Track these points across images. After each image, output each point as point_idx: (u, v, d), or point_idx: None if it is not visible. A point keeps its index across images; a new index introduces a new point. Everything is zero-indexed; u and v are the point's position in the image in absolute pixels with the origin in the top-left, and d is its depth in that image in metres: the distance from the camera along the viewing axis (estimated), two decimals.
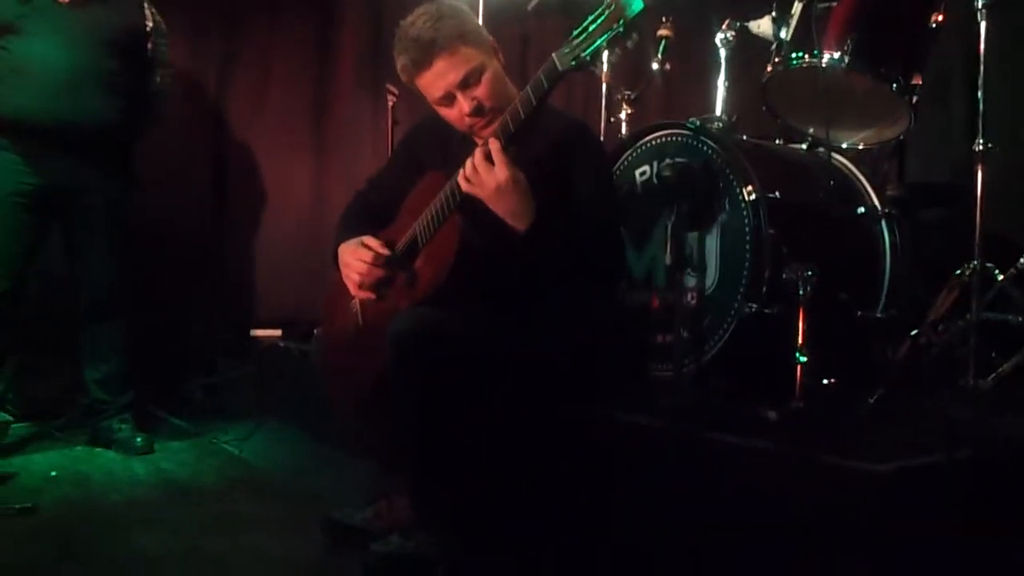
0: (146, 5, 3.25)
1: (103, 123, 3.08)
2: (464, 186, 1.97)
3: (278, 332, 4.05)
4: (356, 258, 2.20)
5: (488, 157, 1.94)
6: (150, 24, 3.24)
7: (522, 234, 1.96)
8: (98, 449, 3.21)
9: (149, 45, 3.25)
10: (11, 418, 2.91)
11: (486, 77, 2.08)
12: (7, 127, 3.03)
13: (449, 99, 2.10)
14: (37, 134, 3.02)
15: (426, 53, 2.06)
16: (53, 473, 2.89)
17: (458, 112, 2.11)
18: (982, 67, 2.49)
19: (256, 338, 4.10)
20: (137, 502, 2.64)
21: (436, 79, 2.08)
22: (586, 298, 2.13)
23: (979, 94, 2.50)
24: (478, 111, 2.09)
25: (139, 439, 3.21)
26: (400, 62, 2.13)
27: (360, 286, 2.21)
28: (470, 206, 2.00)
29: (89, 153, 3.10)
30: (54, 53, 2.99)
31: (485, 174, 1.93)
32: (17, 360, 3.32)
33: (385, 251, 2.18)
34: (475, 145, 2.03)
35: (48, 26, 3.00)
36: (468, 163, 1.96)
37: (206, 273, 4.19)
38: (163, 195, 3.90)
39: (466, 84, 2.07)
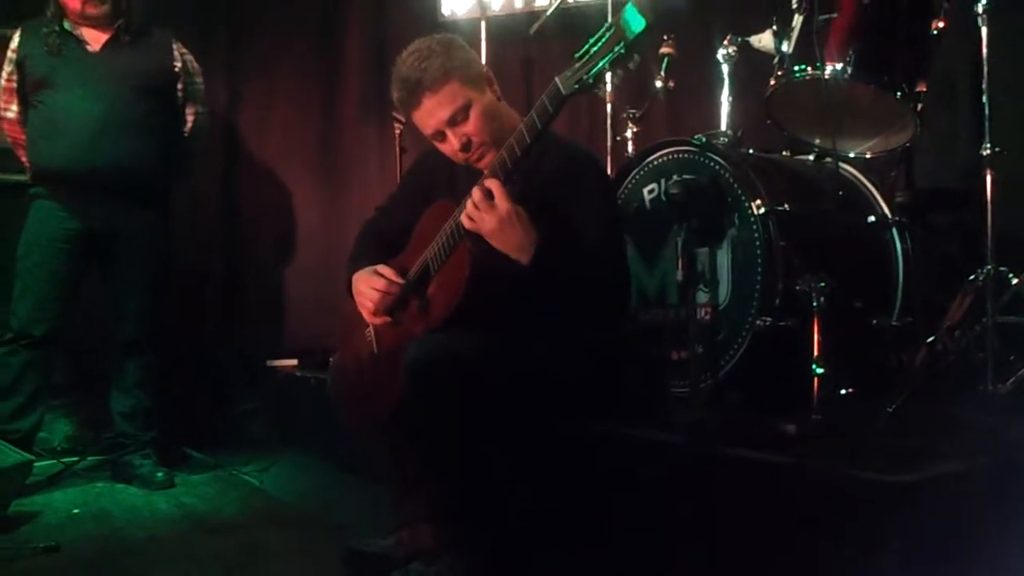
0: (175, 46, 3.31)
1: (138, 166, 3.16)
2: (467, 224, 1.98)
3: (294, 362, 4.06)
4: (369, 286, 2.21)
5: (488, 195, 1.95)
6: (178, 64, 3.31)
7: (526, 266, 1.96)
8: (119, 485, 3.23)
9: (180, 85, 3.31)
10: (34, 457, 2.92)
11: (474, 113, 2.09)
12: (46, 177, 3.13)
13: (440, 135, 2.13)
14: (75, 182, 3.10)
15: (412, 93, 2.09)
16: (75, 511, 2.90)
17: (450, 148, 2.14)
18: (986, 71, 2.49)
19: (273, 368, 4.12)
20: (159, 537, 2.65)
21: (425, 117, 2.12)
22: (597, 320, 2.13)
23: (984, 98, 2.49)
24: (467, 147, 2.11)
25: (160, 474, 3.22)
26: (394, 98, 2.17)
27: (374, 314, 2.23)
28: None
29: (126, 196, 3.17)
30: (87, 102, 3.08)
31: (486, 212, 1.94)
32: (51, 399, 3.36)
33: (398, 279, 2.20)
34: (480, 173, 2.05)
35: (80, 76, 3.09)
36: (469, 202, 1.98)
37: (220, 306, 4.21)
38: (175, 228, 3.92)
39: (454, 122, 2.09)
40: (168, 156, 3.26)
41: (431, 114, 2.10)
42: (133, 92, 3.13)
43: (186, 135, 3.37)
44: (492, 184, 1.95)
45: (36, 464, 2.98)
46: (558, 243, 1.99)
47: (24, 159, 3.23)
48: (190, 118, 3.37)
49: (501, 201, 1.94)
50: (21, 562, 2.39)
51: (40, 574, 2.34)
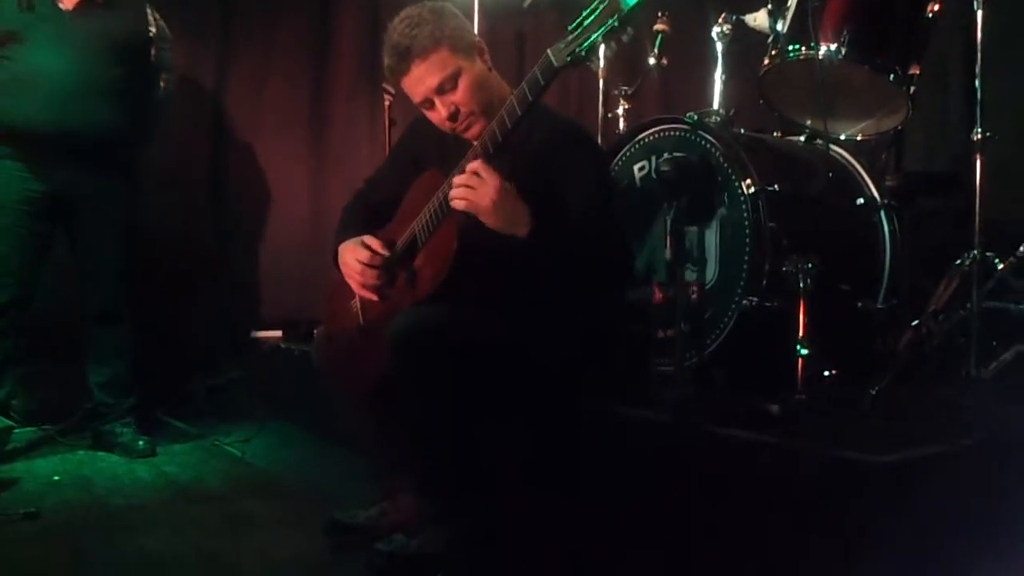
0: (149, 11, 3.25)
1: (108, 130, 3.08)
2: (460, 205, 1.96)
3: (279, 333, 4.05)
4: (355, 258, 2.20)
5: (476, 174, 1.94)
6: (153, 30, 3.25)
7: (523, 240, 1.95)
8: (101, 453, 3.21)
9: (152, 51, 3.26)
10: (14, 424, 2.90)
11: (463, 82, 2.07)
12: (12, 136, 3.04)
13: (428, 103, 2.12)
14: (42, 142, 3.02)
15: (402, 60, 2.08)
16: (56, 477, 2.89)
17: (438, 116, 2.12)
18: (979, 55, 2.48)
19: (257, 339, 4.10)
20: (141, 505, 2.64)
21: (414, 85, 2.10)
22: (587, 294, 2.12)
23: (977, 83, 2.49)
24: (454, 117, 2.10)
25: (141, 442, 3.21)
26: (384, 65, 2.15)
27: (361, 285, 2.22)
28: None
29: (94, 160, 3.11)
30: (58, 61, 2.99)
31: (476, 190, 1.93)
32: (21, 366, 3.32)
33: (384, 251, 2.19)
34: (469, 143, 2.03)
35: (52, 34, 3.01)
36: (456, 182, 1.96)
37: (206, 275, 4.19)
38: (161, 197, 3.90)
39: (442, 90, 2.08)
40: (139, 121, 3.20)
41: (420, 82, 2.08)
42: (106, 55, 3.06)
43: (157, 101, 3.31)
44: (478, 165, 1.94)
45: (15, 431, 2.96)
46: (550, 217, 1.98)
47: None
48: (161, 84, 3.31)
49: (491, 178, 1.93)
50: (1, 527, 2.38)
51: (20, 540, 2.33)
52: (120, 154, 3.20)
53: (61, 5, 3.06)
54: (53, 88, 2.98)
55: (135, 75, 3.16)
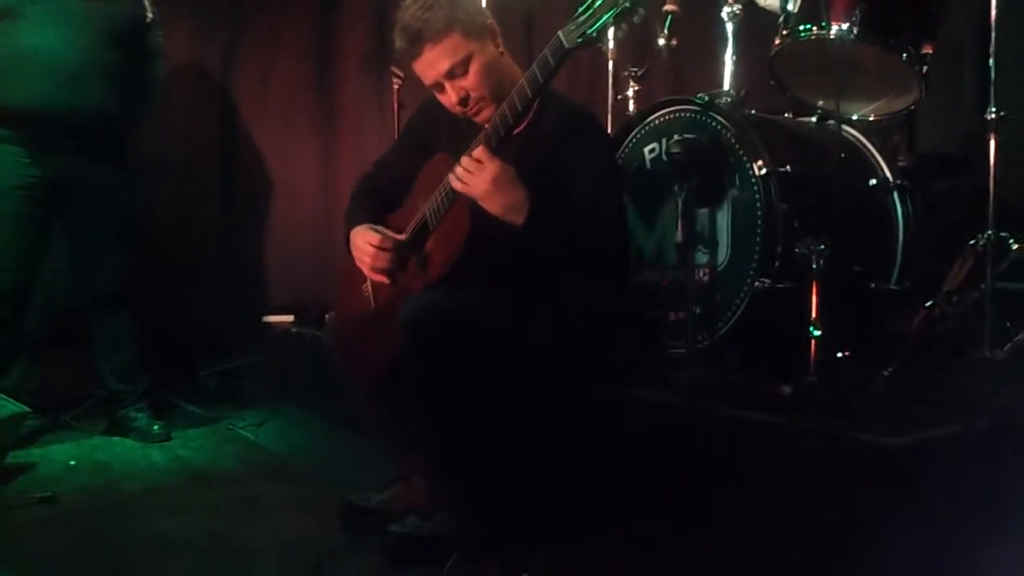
0: None
1: (104, 113, 3.08)
2: (458, 187, 1.97)
3: (290, 318, 4.06)
4: (367, 241, 2.20)
5: (476, 159, 1.94)
6: (150, 15, 3.24)
7: (520, 227, 1.95)
8: (116, 438, 3.24)
9: (148, 36, 3.25)
10: (29, 409, 2.92)
11: (474, 67, 2.06)
12: (9, 117, 3.02)
13: (439, 87, 2.11)
14: (39, 124, 3.01)
15: (414, 43, 2.06)
16: (72, 462, 2.92)
17: (448, 100, 2.11)
18: (993, 35, 2.46)
19: (269, 324, 4.12)
20: (156, 489, 2.67)
21: (425, 68, 2.09)
22: (595, 279, 2.12)
23: (990, 62, 2.47)
24: (464, 102, 2.09)
25: (156, 427, 3.23)
26: (396, 46, 2.13)
27: (372, 269, 2.22)
28: None
29: (90, 143, 3.10)
30: (57, 42, 2.98)
31: (474, 175, 1.94)
32: (30, 352, 3.33)
33: (396, 236, 2.19)
34: (480, 126, 2.03)
35: (51, 14, 2.99)
36: (458, 167, 1.97)
37: (217, 260, 4.20)
38: (171, 183, 3.91)
39: (452, 75, 2.07)
40: (133, 106, 3.20)
41: (431, 66, 2.07)
42: (104, 37, 3.06)
43: (149, 88, 3.30)
44: (479, 152, 1.94)
45: (31, 415, 2.98)
46: (553, 204, 1.98)
47: None
48: (154, 71, 3.30)
49: (489, 163, 1.93)
50: (18, 512, 2.41)
51: (37, 524, 2.35)
52: (115, 138, 3.20)
53: None
54: (50, 69, 2.96)
55: (131, 59, 3.16)
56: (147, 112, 3.34)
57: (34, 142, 3.04)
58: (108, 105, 3.08)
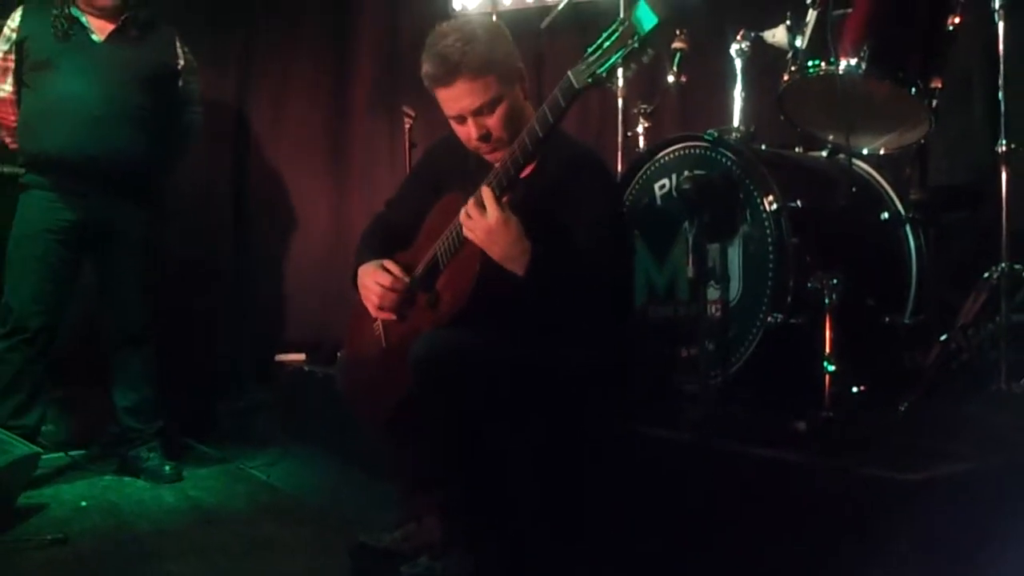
0: (178, 43, 3.31)
1: (134, 158, 3.14)
2: (465, 232, 1.98)
3: (302, 356, 4.06)
4: (375, 280, 2.21)
5: (481, 204, 1.94)
6: (181, 62, 3.31)
7: (521, 278, 1.95)
8: (127, 478, 3.23)
9: (180, 82, 3.31)
10: (41, 450, 2.93)
11: (501, 109, 2.07)
12: (41, 164, 3.10)
13: (461, 119, 2.11)
14: (70, 170, 3.08)
15: (448, 73, 2.04)
16: (83, 503, 2.91)
17: (466, 134, 2.11)
18: (1002, 67, 2.46)
19: (281, 363, 4.12)
20: (167, 530, 2.65)
21: (452, 100, 2.08)
22: (599, 320, 2.10)
23: (1000, 95, 2.47)
24: (485, 138, 2.09)
25: (168, 467, 3.22)
26: (424, 68, 2.10)
27: (380, 308, 2.22)
28: None
29: (120, 188, 3.16)
30: (87, 89, 3.05)
31: (476, 219, 1.94)
32: (50, 392, 3.35)
33: (404, 276, 2.19)
34: (491, 166, 2.03)
35: (83, 64, 3.08)
36: (463, 209, 1.98)
37: (229, 297, 4.22)
38: (184, 219, 3.93)
39: (479, 112, 2.07)
40: (161, 152, 3.24)
41: (459, 99, 2.06)
42: (135, 85, 3.12)
43: (181, 133, 3.35)
44: (485, 193, 1.94)
45: (43, 457, 2.99)
46: (555, 252, 1.98)
47: (9, 141, 3.20)
48: (186, 116, 3.36)
49: (492, 210, 1.93)
50: (29, 553, 2.40)
51: (48, 565, 2.34)
52: (145, 182, 3.24)
53: (95, 36, 3.12)
54: (82, 116, 3.03)
55: (161, 106, 3.22)
56: (178, 156, 3.40)
57: (64, 187, 3.10)
58: (137, 150, 3.13)
